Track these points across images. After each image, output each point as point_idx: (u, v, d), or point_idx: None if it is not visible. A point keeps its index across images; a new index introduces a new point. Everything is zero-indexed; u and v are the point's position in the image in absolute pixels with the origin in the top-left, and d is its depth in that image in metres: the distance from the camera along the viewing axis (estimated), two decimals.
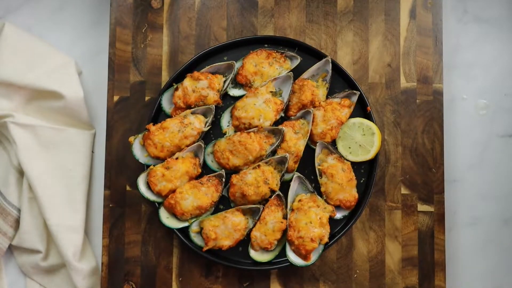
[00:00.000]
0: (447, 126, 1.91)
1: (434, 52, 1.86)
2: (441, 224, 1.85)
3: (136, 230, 1.90)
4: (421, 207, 1.88)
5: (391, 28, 1.88)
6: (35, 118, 1.91)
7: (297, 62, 1.88)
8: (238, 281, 1.91)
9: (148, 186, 1.85)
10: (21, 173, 1.92)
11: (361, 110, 1.88)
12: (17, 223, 1.91)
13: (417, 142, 1.89)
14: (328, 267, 1.91)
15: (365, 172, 1.89)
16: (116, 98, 1.90)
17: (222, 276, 1.92)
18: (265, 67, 1.87)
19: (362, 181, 1.88)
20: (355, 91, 1.86)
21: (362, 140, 1.84)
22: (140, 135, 1.85)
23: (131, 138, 1.83)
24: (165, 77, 1.92)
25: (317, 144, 1.85)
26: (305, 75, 1.90)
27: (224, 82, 1.90)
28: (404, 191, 1.89)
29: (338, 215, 1.85)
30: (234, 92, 1.91)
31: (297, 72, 1.87)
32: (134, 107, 1.92)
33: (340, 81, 1.88)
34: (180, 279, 1.91)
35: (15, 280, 1.95)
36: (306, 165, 1.88)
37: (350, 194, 1.84)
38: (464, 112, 1.96)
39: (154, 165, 1.84)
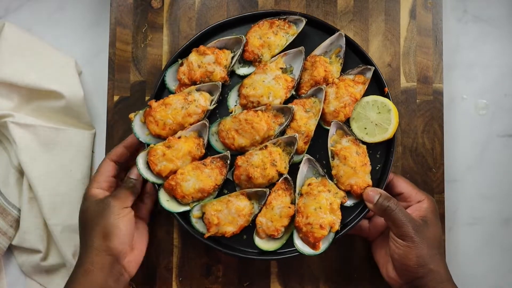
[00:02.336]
0: (447, 126, 1.92)
1: (434, 52, 1.88)
2: (441, 224, 1.82)
3: None
4: None
5: (391, 28, 1.89)
6: (35, 118, 1.93)
7: (302, 24, 1.82)
8: (238, 281, 1.90)
9: (148, 166, 1.78)
10: (21, 173, 1.94)
11: (375, 89, 1.82)
12: (17, 223, 1.93)
13: (417, 142, 1.90)
14: (328, 267, 1.91)
15: (382, 157, 1.82)
16: (116, 98, 1.92)
17: (222, 276, 1.91)
18: (271, 37, 1.82)
19: (378, 167, 1.82)
20: (369, 67, 1.80)
21: (378, 118, 1.77)
22: (141, 112, 1.80)
23: (132, 115, 1.78)
24: None
25: (332, 124, 1.78)
26: (317, 51, 1.83)
27: (232, 58, 1.84)
28: None
29: (349, 202, 1.78)
30: (243, 70, 1.86)
31: (308, 49, 1.83)
32: (134, 107, 1.92)
33: (354, 58, 1.83)
34: (180, 279, 1.91)
35: (15, 280, 1.97)
36: (318, 147, 1.82)
37: (362, 180, 1.77)
38: (464, 112, 1.97)
39: (155, 144, 1.79)
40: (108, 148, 1.92)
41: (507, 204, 1.95)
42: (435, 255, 1.65)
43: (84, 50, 2.01)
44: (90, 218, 1.67)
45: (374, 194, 1.71)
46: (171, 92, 1.85)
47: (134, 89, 1.92)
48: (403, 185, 1.79)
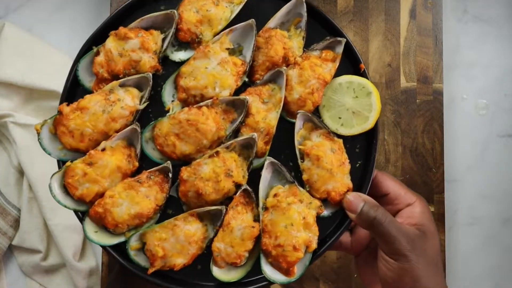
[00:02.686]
0: (447, 126, 1.95)
1: (434, 52, 1.92)
2: (441, 224, 1.88)
3: None
4: None
5: (391, 28, 1.92)
6: (35, 118, 1.96)
7: None
8: None
9: (67, 190, 1.41)
10: (21, 173, 1.97)
11: (348, 67, 1.51)
12: (17, 223, 1.95)
13: (417, 142, 1.92)
14: (328, 267, 1.91)
15: (362, 152, 1.51)
16: None
17: None
18: (211, 9, 1.45)
19: (358, 165, 1.51)
20: (339, 38, 1.47)
21: (356, 104, 1.46)
22: (50, 121, 1.43)
23: (37, 125, 1.41)
24: None
25: (298, 116, 1.45)
26: (271, 23, 1.48)
27: (163, 40, 1.46)
28: None
29: (326, 212, 1.47)
30: (179, 56, 1.50)
31: (259, 21, 1.48)
32: None
33: (318, 29, 1.51)
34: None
35: (15, 280, 1.99)
36: (282, 146, 1.49)
37: (341, 183, 1.45)
38: (464, 112, 2.01)
39: (72, 161, 1.42)
40: None
41: (507, 204, 1.99)
42: (434, 273, 1.37)
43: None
44: None
45: (358, 202, 1.40)
46: (87, 91, 1.47)
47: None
48: (389, 183, 1.48)
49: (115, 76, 1.44)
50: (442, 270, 1.43)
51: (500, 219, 1.99)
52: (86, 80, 1.46)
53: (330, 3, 1.91)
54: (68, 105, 1.41)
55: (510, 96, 2.01)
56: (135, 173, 1.45)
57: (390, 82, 1.91)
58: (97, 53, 1.44)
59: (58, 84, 1.90)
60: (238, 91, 1.47)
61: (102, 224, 1.42)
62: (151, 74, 1.43)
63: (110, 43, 1.42)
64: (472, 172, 1.99)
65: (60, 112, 1.40)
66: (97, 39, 1.47)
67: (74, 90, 1.47)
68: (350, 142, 1.49)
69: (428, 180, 1.90)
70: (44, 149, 1.41)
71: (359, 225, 1.42)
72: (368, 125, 1.44)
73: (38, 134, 1.40)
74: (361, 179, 1.49)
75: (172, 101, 1.46)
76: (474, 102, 2.00)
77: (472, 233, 1.97)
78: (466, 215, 1.98)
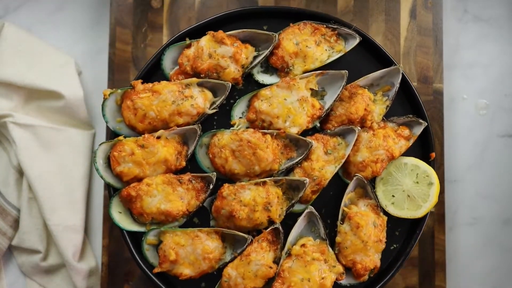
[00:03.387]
0: (447, 126, 1.90)
1: (434, 52, 1.86)
2: (441, 224, 1.82)
3: None
4: None
5: (391, 28, 1.86)
6: (35, 118, 1.92)
7: (354, 42, 1.53)
8: None
9: (109, 162, 1.40)
10: (21, 173, 1.93)
11: (419, 151, 1.54)
12: (16, 223, 1.91)
13: None
14: None
15: (401, 237, 1.51)
16: None
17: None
18: (311, 47, 1.47)
19: (393, 247, 1.51)
20: (421, 121, 1.50)
21: (413, 189, 1.47)
22: (120, 91, 1.43)
23: (106, 91, 1.41)
24: None
25: (354, 179, 1.44)
26: (362, 81, 1.50)
27: (254, 58, 1.47)
28: None
29: (345, 281, 1.45)
30: (263, 78, 1.51)
31: (351, 75, 1.50)
32: None
33: (404, 104, 1.56)
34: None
35: (15, 280, 1.94)
36: (327, 201, 1.51)
37: (371, 259, 1.43)
38: (464, 112, 1.96)
39: (125, 137, 1.43)
40: None
41: (507, 204, 1.95)
42: None
43: (84, 50, 1.98)
44: None
45: None
46: (165, 77, 1.49)
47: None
48: None
49: (196, 74, 1.45)
50: None
51: (500, 219, 1.95)
52: (168, 67, 1.48)
53: (330, 3, 1.86)
54: (142, 82, 1.42)
55: (510, 96, 1.98)
56: (179, 171, 1.46)
57: None
58: (189, 46, 1.45)
59: (58, 84, 1.88)
60: (306, 133, 1.47)
61: (128, 208, 1.42)
62: (230, 84, 1.44)
63: (205, 41, 1.43)
64: (472, 172, 1.95)
65: (132, 87, 1.40)
66: (193, 33, 1.49)
67: (152, 72, 1.50)
68: (393, 223, 1.49)
69: None
70: (103, 115, 1.43)
71: None
72: (419, 213, 1.43)
73: (105, 99, 1.41)
74: (392, 262, 1.48)
75: (240, 117, 1.47)
76: (474, 102, 1.97)
77: (472, 233, 1.94)
78: (466, 215, 1.94)
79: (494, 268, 1.93)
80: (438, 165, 1.80)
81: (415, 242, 1.46)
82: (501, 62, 1.98)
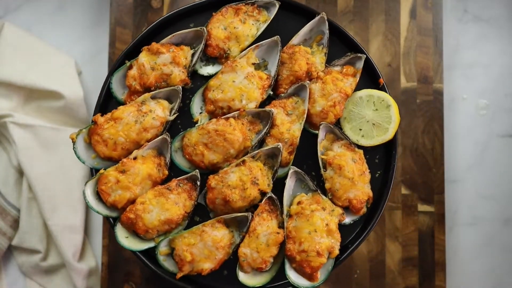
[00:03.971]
0: (447, 126, 1.94)
1: (434, 52, 1.90)
2: (441, 224, 1.87)
3: None
4: (421, 207, 1.88)
5: (392, 28, 1.90)
6: (35, 118, 1.95)
7: (275, 9, 1.58)
8: None
9: (99, 196, 1.48)
10: (20, 173, 1.96)
11: (368, 82, 1.60)
12: (16, 223, 1.94)
13: (417, 142, 1.88)
14: None
15: (381, 162, 1.59)
16: None
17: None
18: (238, 27, 1.55)
19: (377, 174, 1.59)
20: (360, 55, 1.56)
21: (375, 116, 1.54)
22: (85, 130, 1.50)
23: (73, 135, 1.48)
24: None
25: (320, 127, 1.52)
26: (295, 40, 1.57)
27: (192, 55, 1.55)
28: (404, 191, 1.88)
29: (347, 219, 1.54)
30: (207, 70, 1.59)
31: (283, 38, 1.57)
32: None
33: (339, 46, 1.61)
34: None
35: (15, 280, 1.97)
36: (305, 156, 1.58)
37: (362, 192, 1.52)
38: (464, 112, 1.99)
39: (105, 169, 1.50)
40: None
41: (507, 204, 1.97)
42: None
43: (84, 50, 2.02)
44: None
45: None
46: (120, 103, 1.56)
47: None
48: None
49: (147, 89, 1.52)
50: None
51: (500, 219, 1.96)
52: (119, 92, 1.54)
53: (330, 3, 1.89)
54: (102, 115, 1.49)
55: (510, 96, 1.99)
56: (165, 181, 1.52)
57: (390, 82, 1.88)
58: (130, 67, 1.52)
59: (58, 84, 1.90)
60: (263, 103, 1.55)
61: (133, 230, 1.48)
62: (181, 87, 1.51)
63: (143, 57, 1.50)
64: (472, 172, 1.97)
65: (94, 122, 1.47)
66: (130, 54, 1.55)
67: (107, 102, 1.55)
68: (370, 153, 1.57)
69: (428, 180, 1.87)
70: (78, 158, 1.48)
71: None
72: (388, 136, 1.51)
73: (74, 143, 1.48)
74: (381, 188, 1.56)
75: (200, 113, 1.54)
76: (474, 102, 1.98)
77: (472, 233, 1.96)
78: (466, 215, 1.96)
79: (494, 268, 1.95)
80: (438, 165, 1.87)
81: (395, 162, 1.54)
82: (501, 62, 2.00)
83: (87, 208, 1.95)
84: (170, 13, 1.57)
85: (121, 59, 1.55)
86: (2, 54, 1.90)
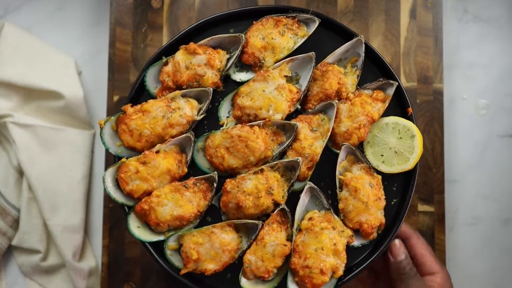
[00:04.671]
0: (447, 126, 1.95)
1: (434, 52, 1.89)
2: (441, 224, 1.88)
3: None
4: (421, 207, 1.89)
5: (391, 28, 1.90)
6: (35, 118, 1.96)
7: (315, 25, 1.58)
8: None
9: (118, 184, 1.53)
10: (20, 173, 1.96)
11: (396, 109, 1.61)
12: (16, 223, 1.95)
13: None
14: None
15: (399, 191, 1.59)
16: (116, 98, 1.91)
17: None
18: (276, 38, 1.56)
19: (393, 202, 1.59)
20: (391, 81, 1.57)
21: (399, 145, 1.54)
22: (114, 118, 1.54)
23: (101, 121, 1.53)
24: None
25: (342, 148, 1.54)
26: (330, 59, 1.58)
27: (228, 60, 1.58)
28: None
29: (356, 242, 1.55)
30: (240, 76, 1.61)
31: (318, 55, 1.59)
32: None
33: (372, 70, 1.62)
34: None
35: (15, 280, 1.99)
36: (323, 174, 1.59)
37: (375, 217, 1.53)
38: (464, 112, 1.99)
39: (127, 158, 1.53)
40: None
41: (507, 204, 1.97)
42: None
43: (84, 50, 2.04)
44: None
45: (401, 252, 1.56)
46: (151, 96, 1.59)
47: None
48: (421, 249, 1.60)
49: (178, 86, 1.55)
50: None
51: (500, 219, 1.97)
52: (152, 86, 1.58)
53: (330, 3, 1.90)
54: (132, 105, 1.53)
55: (510, 96, 1.99)
56: (183, 178, 1.55)
57: None
58: (166, 63, 1.56)
59: (58, 84, 1.91)
60: (290, 116, 1.57)
61: (145, 221, 1.52)
62: (211, 89, 1.54)
63: (179, 55, 1.54)
64: (472, 172, 1.97)
65: (124, 112, 1.52)
66: (168, 50, 1.59)
67: (139, 94, 1.59)
68: (389, 180, 1.57)
69: (428, 180, 1.88)
70: (104, 143, 1.53)
71: (391, 267, 1.54)
72: (408, 166, 1.52)
73: (101, 129, 1.52)
74: (395, 216, 1.56)
75: (227, 117, 1.57)
76: (474, 102, 1.99)
77: (472, 233, 1.97)
78: (466, 215, 1.97)
79: (494, 268, 1.96)
80: (438, 165, 1.87)
81: (412, 192, 1.54)
82: (501, 62, 2.00)
83: (87, 208, 1.97)
84: (212, 16, 1.60)
85: (159, 54, 1.58)
86: (2, 54, 1.91)
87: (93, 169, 2.00)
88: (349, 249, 1.53)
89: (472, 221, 1.96)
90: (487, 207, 1.97)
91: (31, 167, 1.90)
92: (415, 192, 1.83)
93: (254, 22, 1.58)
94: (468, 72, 1.99)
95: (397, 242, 1.57)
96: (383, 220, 1.53)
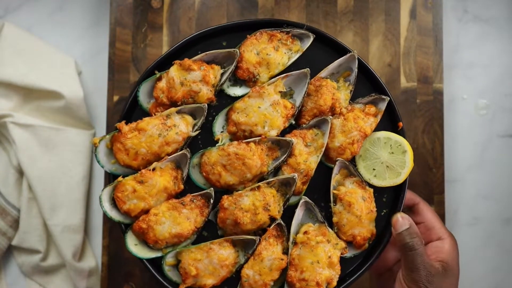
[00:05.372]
0: (447, 126, 1.95)
1: (434, 52, 1.90)
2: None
3: None
4: None
5: (391, 28, 1.91)
6: (35, 118, 1.97)
7: (309, 41, 1.60)
8: None
9: (114, 202, 1.53)
10: (20, 173, 1.97)
11: (387, 124, 1.65)
12: (16, 223, 1.96)
13: (417, 142, 1.90)
14: None
15: (388, 202, 1.64)
16: (116, 98, 1.92)
17: None
18: (271, 54, 1.57)
19: (383, 213, 1.65)
20: (383, 96, 1.60)
21: (390, 159, 1.59)
22: (108, 136, 1.53)
23: (96, 139, 1.53)
24: None
25: (337, 163, 1.58)
26: (323, 73, 1.61)
27: (222, 74, 1.57)
28: None
29: (349, 253, 1.61)
30: (234, 91, 1.62)
31: (312, 70, 1.61)
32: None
33: (364, 84, 1.65)
34: None
35: (15, 280, 2.00)
36: (317, 188, 1.63)
37: (367, 230, 1.59)
38: (464, 112, 1.99)
39: (123, 177, 1.54)
40: None
41: (507, 204, 1.98)
42: None
43: (84, 50, 2.04)
44: None
45: (403, 224, 1.56)
46: (144, 111, 1.59)
47: (134, 89, 1.73)
48: (428, 215, 1.63)
49: (173, 103, 1.55)
50: None
51: (500, 219, 1.98)
52: (145, 101, 1.57)
53: (330, 3, 1.91)
54: (126, 123, 1.52)
55: (510, 96, 1.99)
56: (179, 195, 1.57)
57: (390, 82, 1.90)
58: (159, 79, 1.55)
59: (58, 84, 1.92)
60: (284, 131, 1.59)
61: (143, 239, 1.54)
62: (207, 105, 1.54)
63: (174, 71, 1.53)
64: (472, 172, 1.98)
65: (118, 130, 1.51)
66: (160, 65, 1.58)
67: (132, 110, 1.59)
68: (379, 191, 1.62)
69: (428, 180, 1.89)
70: (98, 161, 1.52)
71: (396, 242, 1.57)
72: (399, 180, 1.57)
73: (96, 147, 1.51)
74: (385, 226, 1.62)
75: (222, 132, 1.58)
76: (474, 102, 1.99)
77: (472, 233, 1.97)
78: (466, 215, 1.97)
79: (494, 268, 1.96)
80: (438, 165, 1.88)
81: (402, 205, 1.59)
82: (501, 62, 2.00)
83: (87, 208, 1.97)
84: (204, 30, 1.59)
85: (151, 70, 1.57)
86: (2, 54, 1.91)
87: (93, 169, 2.01)
88: (342, 259, 1.58)
89: (472, 221, 1.97)
90: (487, 207, 1.98)
91: (31, 167, 1.90)
92: (415, 192, 1.81)
93: (248, 35, 1.58)
94: (468, 72, 2.00)
95: (399, 215, 1.58)
96: (374, 231, 1.59)
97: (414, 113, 1.89)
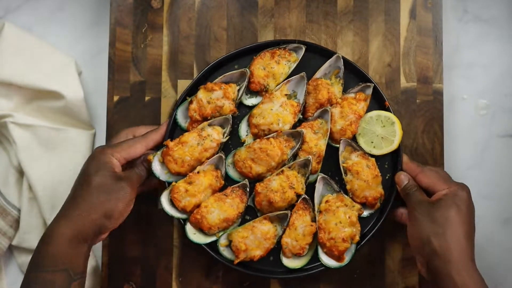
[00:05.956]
0: (447, 126, 1.94)
1: (434, 52, 1.90)
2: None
3: (136, 229, 1.92)
4: None
5: (391, 28, 1.92)
6: (35, 118, 1.94)
7: (302, 51, 1.91)
8: (238, 281, 1.94)
9: (172, 203, 1.88)
10: (21, 173, 1.95)
11: (377, 104, 1.93)
12: (17, 223, 1.94)
13: (417, 142, 1.93)
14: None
15: (390, 167, 1.93)
16: (116, 98, 1.93)
17: (222, 276, 1.94)
18: (274, 67, 1.91)
19: (387, 177, 1.93)
20: (369, 84, 1.91)
21: (383, 132, 1.88)
22: (159, 152, 1.88)
23: (150, 156, 1.86)
24: (165, 77, 1.95)
25: (341, 142, 1.89)
26: (318, 74, 1.93)
27: (238, 90, 1.94)
28: None
29: (365, 213, 1.90)
30: (251, 101, 1.95)
31: (308, 73, 1.93)
32: (134, 107, 1.95)
33: (352, 77, 1.93)
34: (180, 279, 1.94)
35: (15, 280, 1.98)
36: (329, 165, 1.89)
37: (376, 191, 1.88)
38: (464, 112, 2.00)
39: (176, 181, 1.87)
40: None
41: (507, 204, 1.96)
42: (441, 234, 1.57)
43: (84, 50, 2.03)
44: (99, 189, 1.61)
45: (404, 179, 1.77)
46: (182, 129, 1.94)
47: (134, 89, 1.93)
48: (424, 180, 1.74)
49: (204, 118, 1.89)
50: (460, 237, 1.57)
51: (500, 219, 1.96)
52: (183, 122, 1.92)
53: (330, 3, 1.90)
54: (171, 140, 1.88)
55: (510, 96, 1.97)
56: (222, 189, 1.89)
57: (390, 82, 1.92)
58: (191, 102, 1.90)
59: (58, 84, 1.90)
60: (295, 125, 1.90)
61: (199, 228, 1.86)
62: (231, 116, 1.90)
63: (201, 94, 1.89)
64: (472, 172, 1.96)
65: (166, 146, 1.87)
66: (189, 91, 1.92)
67: (172, 130, 1.92)
68: (381, 160, 1.87)
69: None
70: (154, 174, 1.86)
71: (401, 195, 1.74)
72: (394, 146, 1.87)
73: (151, 162, 1.89)
74: (391, 187, 1.90)
75: (246, 135, 1.93)
76: (474, 102, 1.96)
77: None
78: None
79: (494, 268, 1.94)
80: (438, 165, 1.87)
81: (400, 166, 1.85)
82: (501, 62, 1.97)
83: None
84: (220, 58, 1.87)
85: (183, 96, 1.91)
86: (2, 54, 1.88)
87: None
88: (361, 219, 1.86)
89: None
90: (487, 207, 1.94)
91: (31, 167, 1.89)
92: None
93: (254, 57, 1.92)
94: (468, 72, 1.99)
95: (399, 174, 1.76)
96: (382, 192, 1.87)
97: (414, 113, 1.91)
